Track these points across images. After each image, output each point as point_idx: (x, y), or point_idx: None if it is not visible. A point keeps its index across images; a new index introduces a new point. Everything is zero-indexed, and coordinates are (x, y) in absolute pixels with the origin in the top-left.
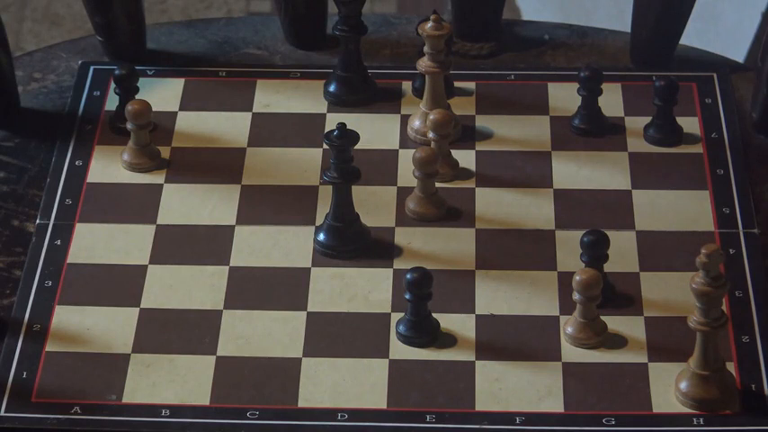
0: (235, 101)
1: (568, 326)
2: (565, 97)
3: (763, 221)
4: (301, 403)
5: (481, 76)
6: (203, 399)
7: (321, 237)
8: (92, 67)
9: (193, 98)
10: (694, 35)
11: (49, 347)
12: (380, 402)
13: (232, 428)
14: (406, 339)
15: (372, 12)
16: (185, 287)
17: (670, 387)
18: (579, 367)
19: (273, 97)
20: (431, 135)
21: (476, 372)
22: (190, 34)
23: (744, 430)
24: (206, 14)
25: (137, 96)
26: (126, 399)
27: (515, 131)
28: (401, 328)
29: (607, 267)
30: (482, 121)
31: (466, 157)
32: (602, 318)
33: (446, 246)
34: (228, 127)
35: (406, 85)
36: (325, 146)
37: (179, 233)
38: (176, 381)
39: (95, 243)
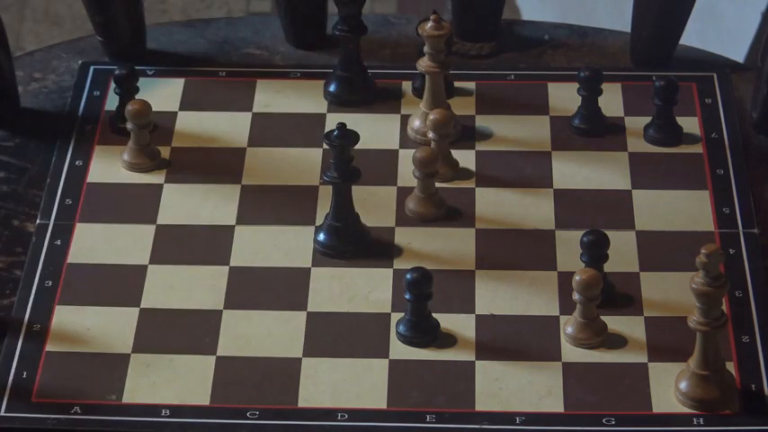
0: (235, 101)
1: (568, 326)
2: (565, 97)
3: (763, 221)
4: (301, 403)
5: (481, 76)
6: (203, 399)
7: (321, 237)
8: (92, 67)
9: (193, 98)
10: (694, 35)
11: (49, 347)
12: (380, 402)
13: (232, 428)
14: (406, 339)
15: (372, 12)
16: (185, 287)
17: (670, 387)
18: (579, 367)
19: (273, 97)
20: (431, 135)
21: (476, 372)
22: (190, 34)
23: (744, 430)
24: (206, 14)
25: (137, 96)
26: (126, 399)
27: (515, 131)
28: (401, 328)
29: (607, 267)
30: (482, 121)
31: (466, 157)
32: (603, 318)
33: (446, 246)
34: (228, 127)
35: (406, 85)
36: (325, 146)
37: (179, 233)
38: (176, 381)
39: (95, 243)
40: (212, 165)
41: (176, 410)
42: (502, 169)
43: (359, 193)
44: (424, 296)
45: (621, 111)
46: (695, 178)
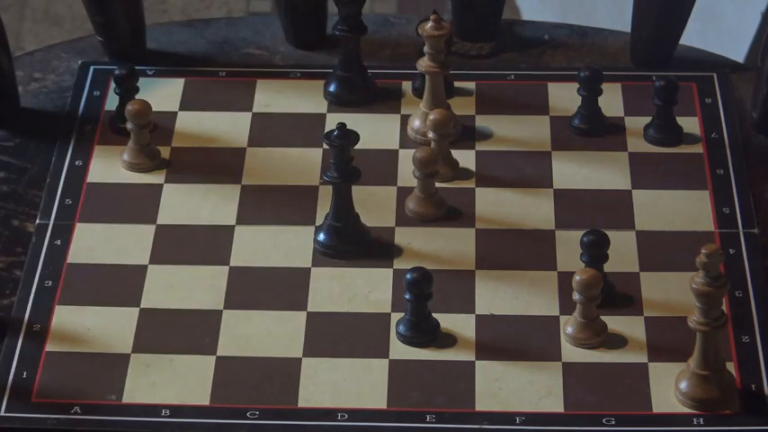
0: (235, 101)
1: (568, 326)
2: (565, 97)
3: (763, 221)
4: (301, 403)
5: (481, 76)
6: (203, 399)
7: (321, 237)
8: (92, 67)
9: (193, 98)
10: (694, 35)
11: (49, 347)
12: (380, 402)
13: (232, 428)
14: (406, 339)
15: (372, 12)
16: (185, 287)
17: (670, 387)
18: (579, 367)
19: (273, 97)
20: (431, 135)
21: (476, 372)
22: (190, 34)
23: (744, 430)
24: (206, 14)
25: (137, 96)
26: (126, 399)
27: (515, 131)
28: (401, 328)
29: (607, 267)
30: (482, 121)
31: (466, 157)
32: (603, 318)
33: (446, 246)
34: (228, 127)
35: (406, 85)
36: (325, 146)
37: (179, 233)
38: (176, 381)
39: (95, 243)
40: (212, 165)
41: (176, 410)
42: (502, 169)
43: (359, 193)
44: (424, 296)
45: (621, 111)
46: (695, 178)
